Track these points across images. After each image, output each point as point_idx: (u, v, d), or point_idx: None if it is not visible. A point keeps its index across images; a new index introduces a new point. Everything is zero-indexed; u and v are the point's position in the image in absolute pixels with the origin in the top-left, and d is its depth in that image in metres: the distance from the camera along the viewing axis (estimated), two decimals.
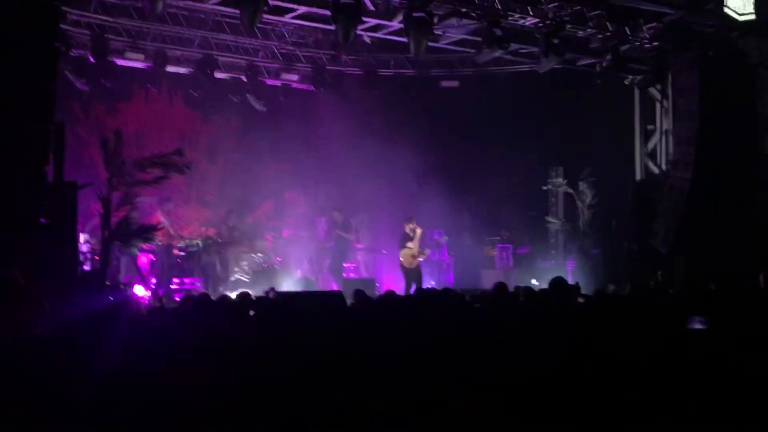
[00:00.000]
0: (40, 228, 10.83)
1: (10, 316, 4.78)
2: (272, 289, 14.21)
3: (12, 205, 9.84)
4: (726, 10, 17.21)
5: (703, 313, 7.25)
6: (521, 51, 18.78)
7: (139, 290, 16.27)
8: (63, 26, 16.01)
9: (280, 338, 5.44)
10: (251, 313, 6.96)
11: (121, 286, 14.45)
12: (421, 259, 17.64)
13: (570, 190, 20.42)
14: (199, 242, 18.30)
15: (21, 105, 10.22)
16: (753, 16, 17.47)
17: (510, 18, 16.09)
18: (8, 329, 4.59)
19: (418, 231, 17.55)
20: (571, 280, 14.33)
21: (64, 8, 15.81)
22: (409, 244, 17.47)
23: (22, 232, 9.94)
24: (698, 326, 6.95)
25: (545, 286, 9.02)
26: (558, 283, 8.20)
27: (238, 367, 4.85)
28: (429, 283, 18.71)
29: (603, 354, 5.63)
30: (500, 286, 9.15)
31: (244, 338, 5.33)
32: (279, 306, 5.65)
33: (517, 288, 11.17)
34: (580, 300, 9.34)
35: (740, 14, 17.36)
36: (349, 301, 8.97)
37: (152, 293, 16.58)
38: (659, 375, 5.42)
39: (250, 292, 10.14)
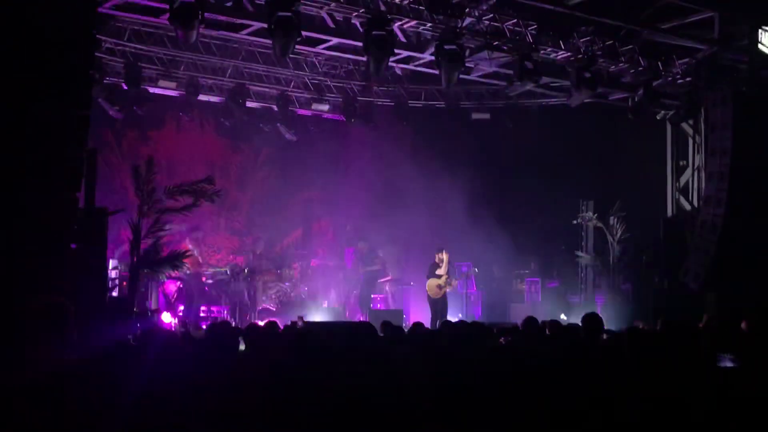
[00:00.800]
0: (71, 253, 10.87)
1: (59, 343, 4.80)
2: (301, 318, 14.18)
3: (43, 231, 9.89)
4: (760, 46, 17.13)
5: (733, 351, 7.13)
6: (552, 84, 18.78)
7: (167, 317, 16.32)
8: (97, 54, 16.22)
9: (310, 370, 5.40)
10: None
11: (149, 313, 14.49)
12: (448, 290, 17.54)
13: (600, 225, 20.27)
14: (227, 270, 18.35)
15: (55, 131, 10.30)
16: None
17: (542, 51, 16.09)
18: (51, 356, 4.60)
19: (445, 259, 17.48)
20: (601, 315, 14.16)
21: (99, 36, 16.04)
22: (437, 273, 17.41)
23: (53, 257, 9.98)
24: (729, 364, 6.83)
25: (574, 321, 8.93)
26: (591, 318, 8.09)
27: (268, 399, 4.82)
28: (456, 315, 18.59)
29: (631, 391, 5.54)
30: (529, 321, 9.04)
31: (276, 369, 5.30)
32: (309, 336, 5.63)
33: (543, 322, 11.07)
34: (604, 336, 9.21)
35: None
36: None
37: (179, 321, 16.62)
38: (688, 414, 5.33)
39: (278, 321, 10.10)
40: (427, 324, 15.14)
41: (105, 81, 17.74)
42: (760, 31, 17.22)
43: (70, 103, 10.72)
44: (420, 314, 17.96)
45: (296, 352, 5.46)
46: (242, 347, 6.95)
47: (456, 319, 18.00)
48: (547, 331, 9.58)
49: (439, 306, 17.35)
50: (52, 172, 10.28)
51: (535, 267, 21.11)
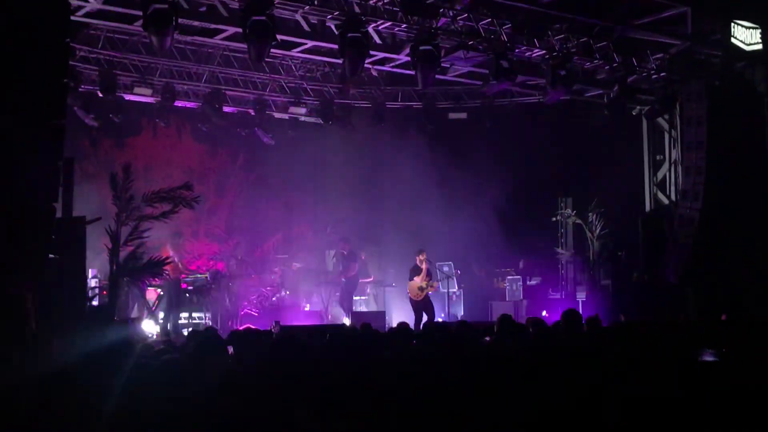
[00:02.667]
0: (49, 263, 10.81)
1: (17, 336, 4.76)
2: (277, 323, 14.17)
3: (21, 241, 9.83)
4: (733, 40, 17.26)
5: (714, 346, 7.18)
6: (528, 83, 18.85)
7: (148, 325, 16.23)
8: (72, 62, 16.13)
9: (288, 373, 5.39)
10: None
11: (129, 321, 14.41)
12: (429, 292, 17.54)
13: (579, 221, 20.36)
14: (208, 276, 18.29)
15: (30, 141, 10.24)
16: (760, 47, 17.52)
17: (517, 50, 16.14)
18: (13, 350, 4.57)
19: (424, 262, 17.47)
20: (582, 311, 14.23)
21: (73, 44, 15.95)
22: (417, 277, 17.39)
23: (31, 267, 9.92)
24: (709, 358, 6.87)
25: (554, 316, 8.95)
26: (570, 315, 8.13)
27: (248, 404, 4.80)
28: (439, 315, 18.61)
29: (613, 387, 5.57)
30: (504, 319, 9.05)
31: (255, 374, 5.29)
32: (285, 341, 5.61)
33: (528, 319, 11.10)
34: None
35: (747, 44, 17.40)
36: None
37: (161, 328, 16.55)
38: (671, 408, 5.35)
39: (252, 326, 10.11)
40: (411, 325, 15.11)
41: (80, 89, 17.64)
42: (732, 25, 17.35)
43: (45, 113, 10.66)
44: (403, 316, 17.95)
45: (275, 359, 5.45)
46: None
47: (439, 320, 18.06)
48: (530, 329, 9.60)
49: (421, 308, 17.32)
50: (29, 182, 10.22)
51: (524, 266, 21.15)
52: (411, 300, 17.47)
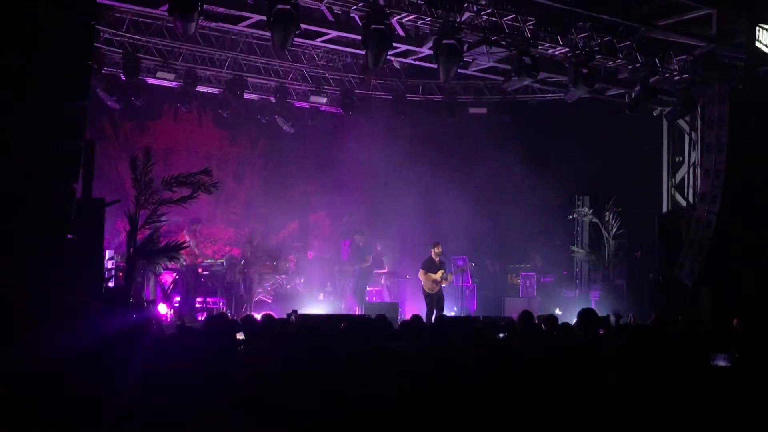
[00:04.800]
0: (68, 244, 10.92)
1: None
2: (294, 312, 14.23)
3: (41, 221, 9.93)
4: (757, 44, 17.18)
5: (727, 350, 7.17)
6: (550, 80, 18.81)
7: (162, 308, 16.35)
8: (96, 44, 16.22)
9: (303, 361, 5.44)
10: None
11: (145, 304, 14.52)
12: (443, 285, 17.58)
13: (595, 220, 20.31)
14: (224, 262, 18.39)
15: (53, 122, 10.33)
16: None
17: (540, 47, 16.10)
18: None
19: (439, 255, 17.49)
20: (596, 310, 14.20)
21: (98, 27, 16.04)
22: (432, 269, 17.42)
23: (51, 247, 10.02)
24: (722, 363, 6.87)
25: (568, 315, 8.96)
26: (587, 314, 8.14)
27: (261, 388, 4.85)
28: (452, 309, 18.64)
29: (624, 388, 5.58)
30: (526, 315, 9.07)
31: (270, 360, 5.33)
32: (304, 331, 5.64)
33: (539, 317, 11.11)
34: (601, 332, 9.24)
35: None
36: None
37: (175, 312, 16.66)
38: (682, 411, 5.37)
39: (273, 313, 10.16)
40: (424, 318, 15.18)
41: (103, 71, 17.73)
42: (757, 28, 17.27)
43: (69, 94, 10.75)
44: (416, 308, 18.01)
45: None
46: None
47: (452, 314, 18.10)
48: (543, 327, 9.62)
49: (434, 301, 17.36)
50: (50, 162, 10.32)
51: (539, 263, 21.14)
52: (424, 292, 17.50)
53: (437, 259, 17.49)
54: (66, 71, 10.64)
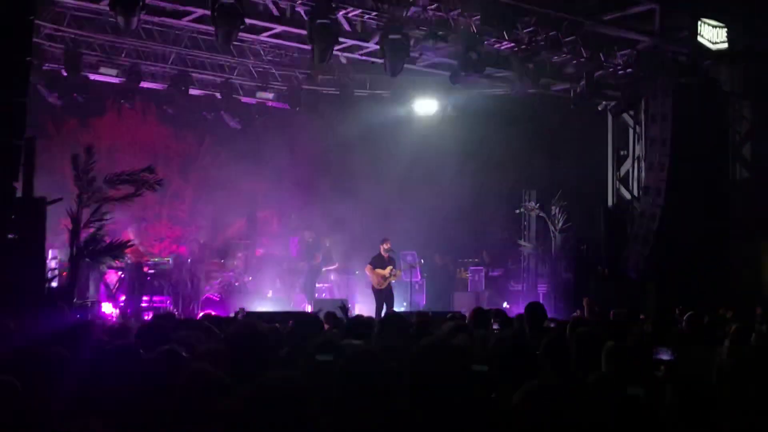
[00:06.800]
0: (8, 243, 10.70)
1: None
2: (242, 309, 14.10)
3: None
4: (699, 39, 17.44)
5: (670, 344, 7.20)
6: (496, 75, 18.87)
7: (107, 308, 16.12)
8: (36, 40, 15.90)
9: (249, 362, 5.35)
10: None
11: (89, 304, 14.30)
12: (392, 281, 17.55)
13: (542, 214, 20.46)
14: (170, 260, 18.17)
15: None
16: (725, 46, 17.73)
17: (486, 42, 16.15)
18: None
19: (387, 251, 17.47)
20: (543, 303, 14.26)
21: (38, 22, 15.72)
22: (380, 265, 17.38)
23: None
24: (665, 357, 6.89)
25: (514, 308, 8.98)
26: (534, 307, 8.16)
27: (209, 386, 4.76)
28: (401, 304, 18.64)
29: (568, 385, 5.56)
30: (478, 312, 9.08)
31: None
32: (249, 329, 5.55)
33: (488, 311, 11.12)
34: (551, 325, 9.28)
35: (713, 43, 17.61)
36: None
37: (120, 311, 16.42)
38: (632, 406, 5.37)
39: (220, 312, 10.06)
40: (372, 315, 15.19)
41: (44, 67, 17.40)
42: (699, 23, 17.54)
43: (7, 90, 10.53)
44: (365, 304, 18.00)
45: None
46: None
47: (402, 309, 18.10)
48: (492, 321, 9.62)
49: (384, 297, 17.32)
50: None
51: (487, 258, 21.23)
52: (373, 289, 17.45)
53: (386, 255, 17.46)
54: (4, 67, 10.43)
